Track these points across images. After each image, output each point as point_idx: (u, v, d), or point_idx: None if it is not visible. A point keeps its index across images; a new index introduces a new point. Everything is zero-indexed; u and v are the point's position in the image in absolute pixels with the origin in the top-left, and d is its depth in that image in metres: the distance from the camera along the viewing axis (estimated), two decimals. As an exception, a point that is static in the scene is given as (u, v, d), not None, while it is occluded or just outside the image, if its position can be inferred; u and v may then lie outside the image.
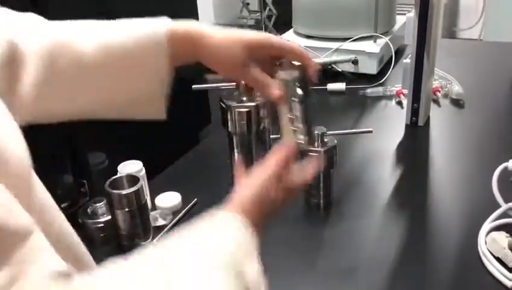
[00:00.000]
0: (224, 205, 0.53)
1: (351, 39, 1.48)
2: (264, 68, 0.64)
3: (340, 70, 1.48)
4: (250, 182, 0.56)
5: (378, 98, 1.35)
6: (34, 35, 0.57)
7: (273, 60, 0.66)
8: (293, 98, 0.65)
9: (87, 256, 0.54)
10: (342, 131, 0.95)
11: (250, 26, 2.33)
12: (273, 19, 3.20)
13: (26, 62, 0.55)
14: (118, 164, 0.87)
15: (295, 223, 0.88)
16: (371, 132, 0.94)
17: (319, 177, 0.87)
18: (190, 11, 1.20)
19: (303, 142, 0.65)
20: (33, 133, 0.82)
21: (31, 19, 0.60)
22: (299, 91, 0.65)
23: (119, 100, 0.62)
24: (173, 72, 0.61)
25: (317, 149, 0.85)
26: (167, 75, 0.61)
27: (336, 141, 0.87)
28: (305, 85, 0.65)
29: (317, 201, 0.91)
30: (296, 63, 0.65)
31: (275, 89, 0.63)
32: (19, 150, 0.40)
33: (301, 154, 0.68)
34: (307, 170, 0.61)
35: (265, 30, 1.73)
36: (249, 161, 0.92)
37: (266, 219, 0.56)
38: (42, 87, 0.56)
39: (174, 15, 0.77)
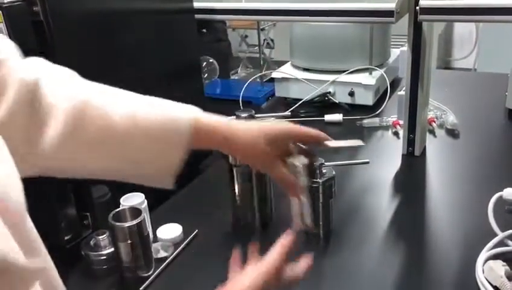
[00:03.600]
0: None
1: (347, 71, 1.51)
2: (283, 151, 0.69)
3: (337, 101, 1.51)
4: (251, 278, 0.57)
5: (375, 129, 1.38)
6: (66, 90, 0.57)
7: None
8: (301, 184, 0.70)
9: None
10: (339, 162, 0.97)
11: (249, 59, 2.37)
12: (271, 52, 3.26)
13: (53, 115, 0.55)
14: (120, 197, 0.88)
15: (295, 253, 0.89)
16: (367, 162, 0.96)
17: (318, 207, 0.88)
18: (191, 44, 1.24)
19: (309, 225, 0.72)
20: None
21: (65, 73, 0.60)
22: (305, 179, 0.71)
23: (132, 171, 0.64)
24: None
25: (316, 180, 0.86)
26: (183, 160, 0.63)
27: (334, 172, 0.89)
28: (313, 171, 0.72)
29: (317, 231, 0.92)
30: (304, 148, 0.71)
31: (298, 191, 0.70)
32: (18, 189, 0.39)
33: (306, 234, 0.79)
34: (299, 267, 0.63)
35: (263, 63, 1.77)
36: (249, 193, 0.93)
37: None
38: (64, 145, 0.56)
39: (175, 47, 0.79)
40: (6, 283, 0.33)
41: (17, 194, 0.38)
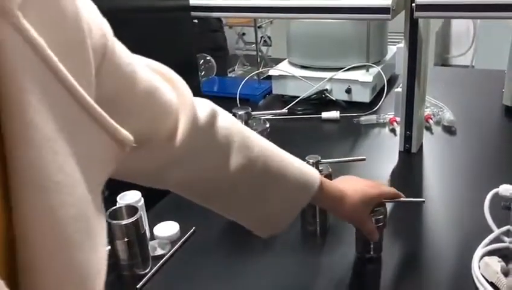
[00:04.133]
0: None
1: (344, 69, 1.52)
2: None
3: (334, 98, 1.51)
4: None
5: (372, 126, 1.38)
6: (235, 127, 0.63)
7: None
8: None
9: None
10: (336, 159, 0.97)
11: (246, 56, 2.38)
12: (268, 50, 3.26)
13: (229, 152, 0.61)
14: (117, 195, 0.88)
15: (292, 250, 0.89)
16: (364, 159, 0.96)
17: (315, 205, 0.88)
18: (187, 42, 1.24)
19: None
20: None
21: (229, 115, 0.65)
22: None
23: (253, 213, 0.69)
24: None
25: None
26: (296, 215, 0.70)
27: (330, 169, 0.89)
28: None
29: (313, 228, 0.92)
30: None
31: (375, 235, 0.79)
32: (99, 274, 0.41)
33: None
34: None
35: (261, 61, 1.77)
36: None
37: None
38: (234, 178, 0.62)
39: (172, 44, 0.79)
40: None
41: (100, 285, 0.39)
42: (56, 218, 0.34)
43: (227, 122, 0.62)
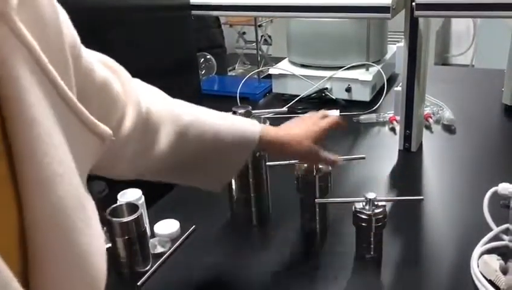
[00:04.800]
0: None
1: (344, 68, 1.52)
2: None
3: (334, 97, 1.52)
4: None
5: (372, 125, 1.38)
6: (169, 111, 0.67)
7: None
8: None
9: None
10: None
11: (246, 55, 2.38)
12: (268, 49, 3.26)
13: (161, 133, 0.65)
14: (118, 192, 0.88)
15: (292, 249, 0.89)
16: (363, 158, 0.97)
17: (314, 203, 0.89)
18: (187, 40, 1.24)
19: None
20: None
21: (161, 94, 0.70)
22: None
23: (200, 177, 0.75)
24: None
25: (313, 175, 0.87)
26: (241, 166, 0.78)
27: (330, 168, 0.89)
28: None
29: (313, 227, 0.92)
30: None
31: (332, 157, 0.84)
32: (101, 258, 0.44)
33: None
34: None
35: (261, 60, 1.77)
36: (246, 188, 0.94)
37: None
38: (165, 160, 0.66)
39: (172, 43, 0.79)
40: None
41: (103, 268, 0.42)
42: (63, 207, 0.37)
43: (160, 103, 0.67)
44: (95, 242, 0.41)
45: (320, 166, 0.88)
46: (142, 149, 0.63)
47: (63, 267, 0.37)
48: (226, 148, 0.73)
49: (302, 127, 0.82)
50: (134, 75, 0.70)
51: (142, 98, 0.62)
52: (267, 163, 0.94)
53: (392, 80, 1.64)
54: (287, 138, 0.80)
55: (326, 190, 0.89)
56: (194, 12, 1.23)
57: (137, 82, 0.66)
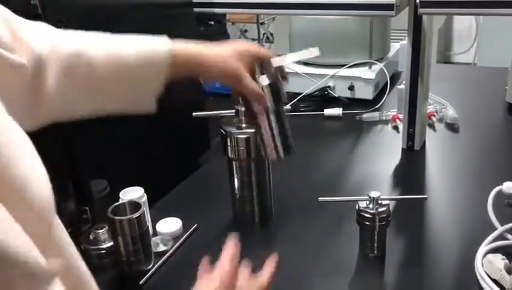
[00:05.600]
0: None
1: (347, 65, 1.51)
2: (251, 69, 0.78)
3: (336, 95, 1.51)
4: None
5: (375, 123, 1.38)
6: (53, 45, 0.62)
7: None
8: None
9: None
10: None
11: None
12: (270, 46, 3.25)
13: (48, 73, 0.60)
14: (120, 191, 0.88)
15: (294, 247, 0.89)
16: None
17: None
18: (190, 38, 1.23)
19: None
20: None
21: (46, 28, 0.65)
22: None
23: (122, 103, 0.71)
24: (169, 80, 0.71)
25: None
26: (163, 86, 0.71)
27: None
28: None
29: (317, 226, 0.92)
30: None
31: (265, 102, 0.77)
32: (43, 184, 0.40)
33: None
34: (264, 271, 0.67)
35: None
36: (248, 186, 0.93)
37: None
38: (61, 94, 0.62)
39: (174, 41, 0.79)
40: (18, 279, 0.33)
41: (46, 193, 0.40)
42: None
43: (66, 44, 0.63)
44: (31, 171, 0.40)
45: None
46: (34, 96, 0.60)
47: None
48: (132, 71, 0.68)
49: (229, 46, 0.75)
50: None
51: (34, 45, 0.59)
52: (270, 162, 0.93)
53: (395, 78, 1.63)
54: (210, 55, 0.73)
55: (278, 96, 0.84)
56: (196, 9, 1.22)
57: (32, 27, 0.62)
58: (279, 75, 0.80)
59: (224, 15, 2.17)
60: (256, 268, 0.85)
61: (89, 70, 0.64)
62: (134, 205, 0.81)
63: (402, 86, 1.18)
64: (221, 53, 0.74)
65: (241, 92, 0.78)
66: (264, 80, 0.78)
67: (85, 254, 0.84)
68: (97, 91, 0.67)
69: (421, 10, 0.99)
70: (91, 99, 0.68)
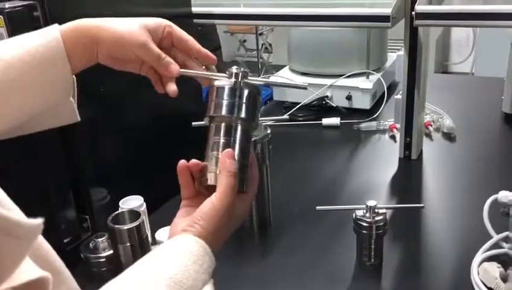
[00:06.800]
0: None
1: (345, 76, 1.53)
2: (157, 40, 0.64)
3: (334, 105, 1.52)
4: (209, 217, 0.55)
5: (372, 133, 1.39)
6: None
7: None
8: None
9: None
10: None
11: (247, 63, 2.39)
12: (269, 57, 3.28)
13: None
14: (119, 199, 0.89)
15: (292, 255, 0.90)
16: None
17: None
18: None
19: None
20: (37, 171, 0.85)
21: None
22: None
23: (29, 113, 0.61)
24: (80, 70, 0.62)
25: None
26: (71, 76, 0.60)
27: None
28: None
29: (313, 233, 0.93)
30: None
31: (174, 65, 0.62)
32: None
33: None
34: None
35: (262, 68, 1.78)
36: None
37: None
38: None
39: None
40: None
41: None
42: None
43: None
44: None
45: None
46: None
47: None
48: (24, 73, 0.57)
49: (137, 19, 0.63)
50: (135, 82, 0.71)
51: None
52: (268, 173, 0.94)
53: (392, 88, 1.64)
54: (109, 24, 0.61)
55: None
56: (195, 20, 1.24)
57: None
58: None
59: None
60: (255, 277, 0.86)
61: None
62: (134, 214, 0.82)
63: (399, 96, 1.20)
64: (126, 23, 0.62)
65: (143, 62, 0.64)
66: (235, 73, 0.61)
67: (85, 262, 0.85)
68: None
69: (416, 22, 1.01)
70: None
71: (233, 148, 0.58)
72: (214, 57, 0.69)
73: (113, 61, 0.63)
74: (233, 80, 0.60)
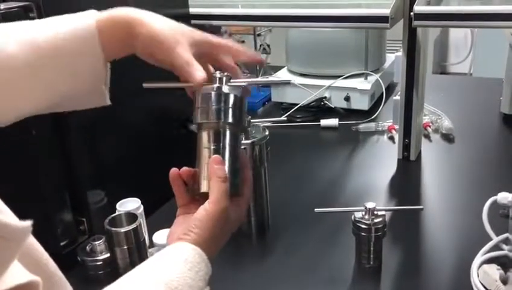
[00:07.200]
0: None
1: (343, 76, 1.52)
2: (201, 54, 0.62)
3: (332, 106, 1.52)
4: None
5: (371, 134, 1.38)
6: None
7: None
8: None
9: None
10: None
11: (245, 64, 2.38)
12: (267, 58, 3.27)
13: None
14: (116, 202, 0.88)
15: (291, 258, 0.89)
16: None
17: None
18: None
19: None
20: (33, 173, 0.84)
21: None
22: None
23: (60, 96, 0.60)
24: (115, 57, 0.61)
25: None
26: (104, 65, 0.59)
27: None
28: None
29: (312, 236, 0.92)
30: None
31: (200, 71, 0.58)
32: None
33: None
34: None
35: (260, 68, 1.77)
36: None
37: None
38: None
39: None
40: None
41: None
42: None
43: None
44: None
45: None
46: None
47: None
48: (56, 52, 0.57)
49: (176, 24, 0.61)
50: (134, 84, 0.70)
51: None
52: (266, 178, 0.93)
53: (390, 89, 1.64)
54: (150, 20, 0.59)
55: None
56: (193, 21, 1.23)
57: None
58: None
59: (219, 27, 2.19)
60: (253, 280, 0.85)
61: (3, 65, 0.55)
62: (131, 217, 0.82)
63: (397, 96, 1.19)
64: (169, 27, 0.60)
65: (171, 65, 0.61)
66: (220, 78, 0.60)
67: (82, 265, 0.84)
68: (25, 86, 0.57)
69: (415, 23, 1.01)
70: (23, 95, 0.58)
71: (223, 153, 0.58)
72: (262, 58, 0.67)
73: (150, 57, 0.62)
74: (216, 84, 0.59)
